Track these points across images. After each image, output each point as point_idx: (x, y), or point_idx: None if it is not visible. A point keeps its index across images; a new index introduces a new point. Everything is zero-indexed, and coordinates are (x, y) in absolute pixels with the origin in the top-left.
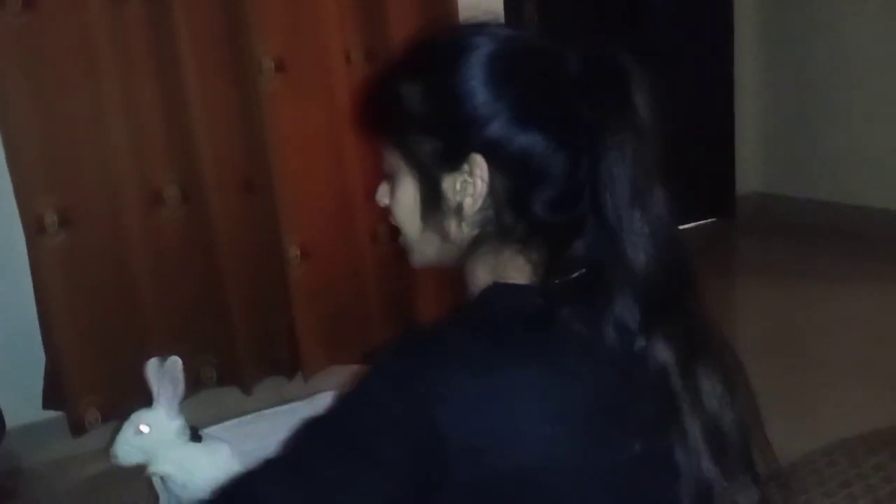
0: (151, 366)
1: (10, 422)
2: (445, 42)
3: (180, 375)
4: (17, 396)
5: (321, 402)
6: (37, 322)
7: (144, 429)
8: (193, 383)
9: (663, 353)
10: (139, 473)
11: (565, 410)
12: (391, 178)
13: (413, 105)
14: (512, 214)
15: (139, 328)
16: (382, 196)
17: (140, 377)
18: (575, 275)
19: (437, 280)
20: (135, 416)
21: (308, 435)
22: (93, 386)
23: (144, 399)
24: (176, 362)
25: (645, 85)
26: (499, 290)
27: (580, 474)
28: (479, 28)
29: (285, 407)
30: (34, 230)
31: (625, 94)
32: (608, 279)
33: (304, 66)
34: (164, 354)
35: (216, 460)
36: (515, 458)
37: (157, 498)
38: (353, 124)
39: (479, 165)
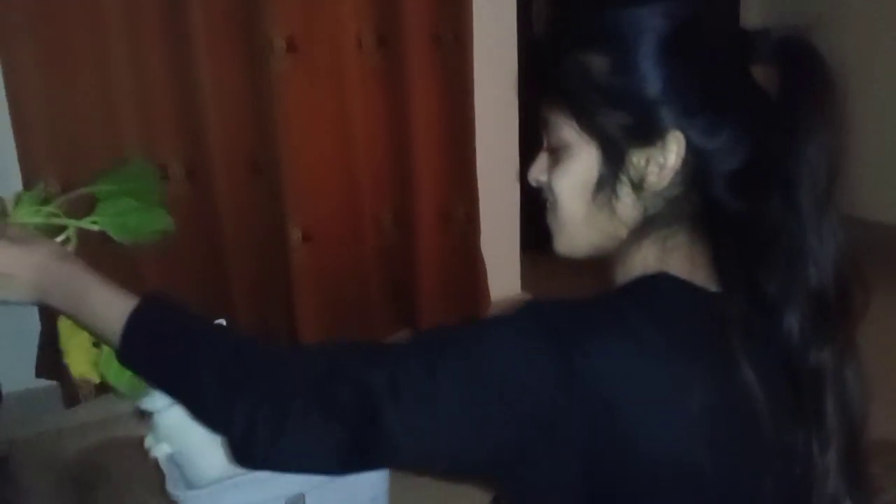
0: None
1: (4, 388)
2: (631, 16)
3: None
4: (12, 363)
5: None
6: None
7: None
8: None
9: (824, 359)
10: (134, 445)
11: (723, 414)
12: (557, 152)
13: (602, 78)
14: (696, 194)
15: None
16: (538, 172)
17: None
18: (747, 276)
19: (438, 269)
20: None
21: (440, 352)
22: None
23: None
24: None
25: (839, 76)
26: (669, 283)
27: (719, 480)
28: (660, 2)
29: None
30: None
31: (824, 81)
32: (785, 284)
33: (315, 47)
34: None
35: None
36: (659, 448)
37: (163, 475)
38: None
39: (678, 141)
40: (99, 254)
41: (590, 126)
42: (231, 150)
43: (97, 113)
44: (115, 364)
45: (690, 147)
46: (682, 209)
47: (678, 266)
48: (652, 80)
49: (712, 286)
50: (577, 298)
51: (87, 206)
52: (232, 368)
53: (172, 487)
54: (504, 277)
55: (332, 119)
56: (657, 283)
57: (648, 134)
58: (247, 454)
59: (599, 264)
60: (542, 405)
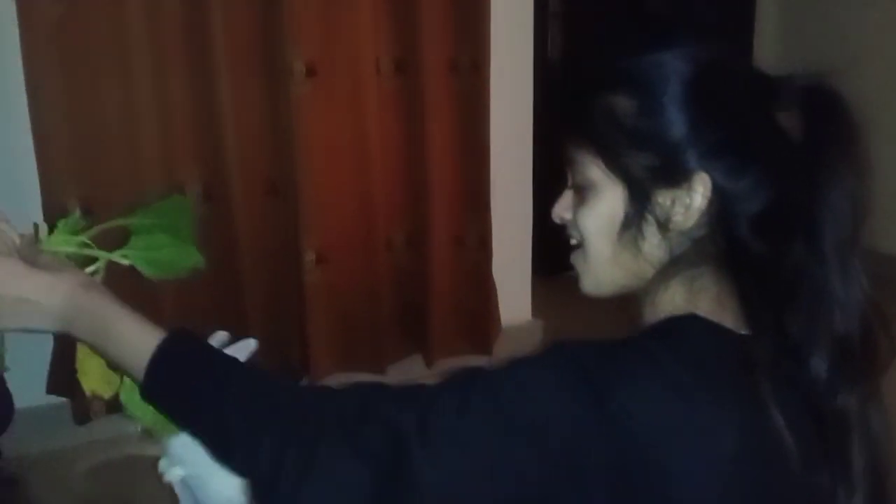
0: (219, 337)
1: (17, 404)
2: (656, 59)
3: (245, 357)
4: (24, 380)
5: None
6: None
7: None
8: None
9: (850, 403)
10: (145, 465)
11: (752, 457)
12: (582, 191)
13: (627, 120)
14: (721, 235)
15: (152, 321)
16: (563, 210)
17: None
18: (773, 318)
19: (450, 293)
20: None
21: (470, 393)
22: None
23: None
24: (250, 344)
25: (862, 123)
26: (698, 325)
27: None
28: (684, 46)
29: None
30: (55, 218)
31: (847, 127)
32: (810, 328)
33: (334, 72)
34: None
35: None
36: (688, 490)
37: (176, 499)
38: (555, 127)
39: (704, 183)
40: (114, 265)
41: (616, 166)
42: (249, 172)
43: (118, 134)
44: (137, 397)
45: (715, 188)
46: (708, 250)
47: (706, 307)
48: (677, 123)
49: (741, 328)
50: (605, 340)
51: (119, 238)
52: (258, 407)
53: None
54: (515, 303)
55: (349, 143)
56: (686, 325)
57: (674, 175)
58: (271, 496)
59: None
60: (572, 447)
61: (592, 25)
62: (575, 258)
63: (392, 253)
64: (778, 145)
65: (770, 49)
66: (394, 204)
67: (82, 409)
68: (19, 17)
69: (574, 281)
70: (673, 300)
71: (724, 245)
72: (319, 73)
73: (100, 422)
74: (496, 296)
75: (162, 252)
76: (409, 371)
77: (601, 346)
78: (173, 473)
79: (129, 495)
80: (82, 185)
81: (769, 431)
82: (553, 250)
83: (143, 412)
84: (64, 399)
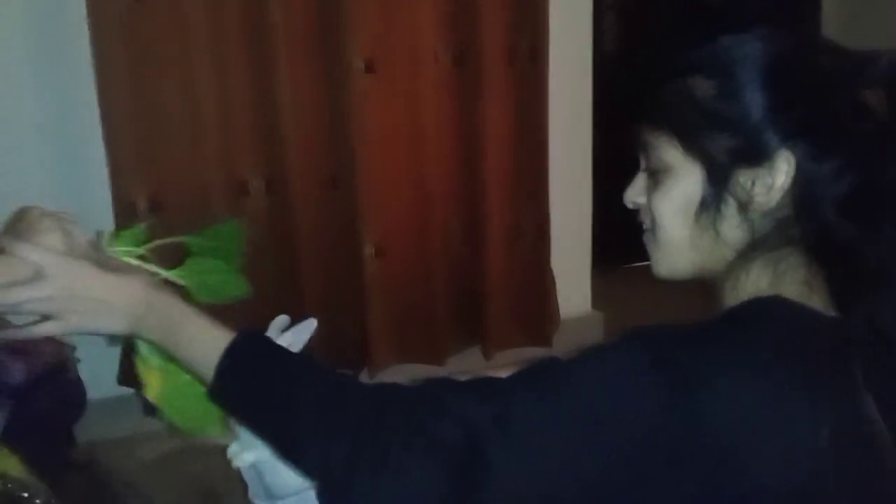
0: (280, 320)
1: (89, 395)
2: (736, 41)
3: (307, 338)
4: (97, 371)
5: None
6: None
7: None
8: None
9: None
10: (208, 451)
11: (845, 443)
12: (657, 174)
13: (706, 101)
14: (806, 217)
15: (213, 315)
16: (636, 195)
17: None
18: (864, 303)
19: (508, 284)
20: None
21: (547, 385)
22: None
23: None
24: (312, 323)
25: None
26: (785, 307)
27: None
28: (762, 28)
29: None
30: (125, 216)
31: None
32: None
33: (393, 66)
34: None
35: None
36: (779, 477)
37: (245, 485)
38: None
39: (788, 161)
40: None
41: (695, 148)
42: (309, 167)
43: (182, 131)
44: (178, 401)
45: (799, 169)
46: (792, 232)
47: (792, 290)
48: (757, 103)
49: (830, 311)
50: (686, 324)
51: (174, 253)
52: (329, 408)
53: (254, 498)
54: (575, 294)
55: (407, 136)
56: (772, 307)
57: (755, 155)
58: (345, 497)
59: (678, 282)
60: (659, 438)
61: (647, 18)
62: (648, 241)
63: (450, 244)
64: (864, 125)
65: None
66: (452, 195)
67: (150, 401)
68: (89, 13)
69: (635, 273)
70: (757, 284)
71: (809, 228)
72: (378, 70)
73: None
74: (555, 287)
75: (213, 277)
76: (468, 363)
77: (683, 332)
78: (243, 458)
79: (198, 480)
80: (150, 183)
81: (862, 417)
82: (613, 242)
83: (181, 413)
84: (132, 390)
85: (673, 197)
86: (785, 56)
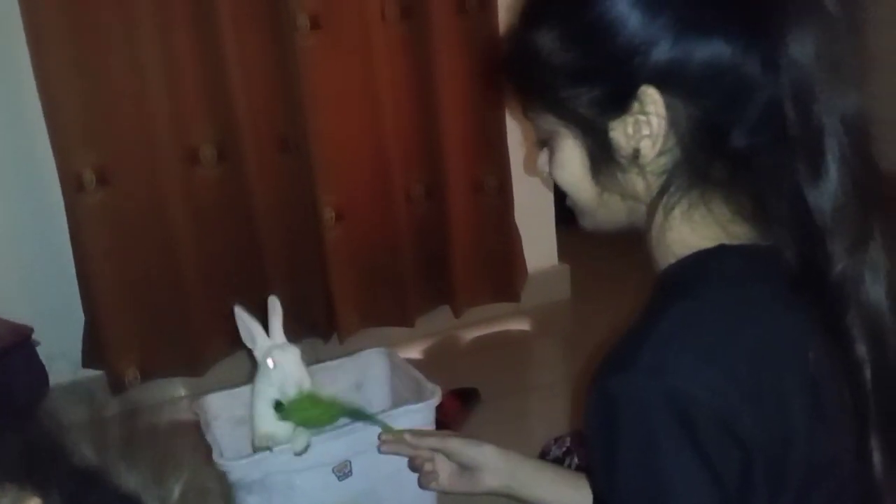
0: (240, 311)
1: (52, 380)
2: None
3: (279, 309)
4: (58, 355)
5: (365, 360)
6: (76, 281)
7: (271, 363)
8: (231, 343)
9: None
10: (182, 429)
11: (819, 380)
12: (547, 144)
13: (555, 55)
14: (705, 150)
15: (177, 287)
16: (543, 165)
17: (177, 335)
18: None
19: (473, 242)
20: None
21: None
22: (132, 345)
23: (181, 358)
24: (275, 300)
25: None
26: (720, 254)
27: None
28: None
29: (332, 362)
30: (73, 188)
31: None
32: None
33: (339, 23)
34: (203, 313)
35: None
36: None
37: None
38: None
39: (652, 99)
40: (137, 234)
41: (561, 110)
42: (260, 131)
43: (126, 97)
44: (301, 409)
45: (681, 97)
46: (700, 169)
47: (717, 233)
48: (609, 39)
49: (764, 240)
50: (639, 324)
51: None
52: None
53: (218, 457)
54: (541, 248)
55: (359, 94)
56: (707, 262)
57: (621, 100)
58: None
59: (637, 234)
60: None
61: None
62: (569, 202)
63: (411, 204)
64: (748, 17)
65: None
66: (409, 154)
67: (117, 379)
68: None
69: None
70: (680, 232)
71: (712, 161)
72: (324, 26)
73: (136, 390)
74: (520, 242)
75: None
76: (438, 323)
77: (639, 342)
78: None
79: (166, 454)
80: (96, 152)
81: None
82: None
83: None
84: (100, 372)
85: (564, 163)
86: None
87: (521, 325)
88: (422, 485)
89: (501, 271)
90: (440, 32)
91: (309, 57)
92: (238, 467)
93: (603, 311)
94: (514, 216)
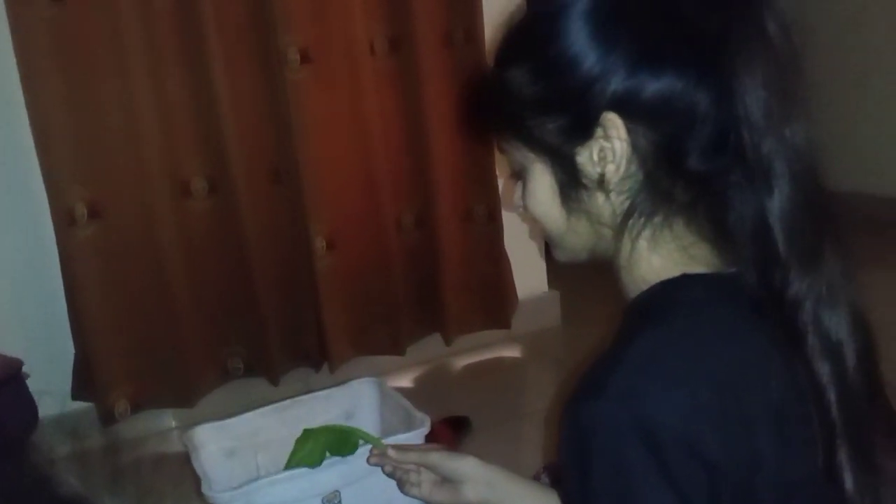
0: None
1: (41, 412)
2: (536, 13)
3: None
4: (48, 388)
5: (355, 389)
6: (66, 314)
7: None
8: (221, 374)
9: (800, 289)
10: (172, 461)
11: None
12: (521, 175)
13: (523, 89)
14: (666, 173)
15: (168, 319)
16: (518, 198)
17: (168, 367)
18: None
19: (463, 270)
20: None
21: None
22: (122, 377)
23: (172, 390)
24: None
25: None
26: (685, 282)
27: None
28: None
29: (321, 392)
30: (65, 222)
31: (746, 3)
32: (754, 233)
33: (329, 56)
34: (194, 345)
35: None
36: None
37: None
38: (464, 128)
39: (614, 124)
40: (128, 266)
41: (530, 140)
42: (251, 163)
43: (118, 131)
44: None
45: (640, 122)
46: (662, 192)
47: (681, 259)
48: (571, 71)
49: (727, 267)
50: (609, 353)
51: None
52: None
53: (207, 489)
54: (531, 275)
55: (349, 126)
56: (672, 292)
57: (584, 126)
58: None
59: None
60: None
61: None
62: (543, 234)
63: (402, 233)
64: (696, 52)
65: None
66: (399, 183)
67: (107, 411)
68: (10, 21)
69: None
70: (648, 260)
71: (673, 184)
72: (314, 59)
73: (126, 423)
74: (510, 269)
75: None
76: (429, 351)
77: (610, 367)
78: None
79: (156, 487)
80: (88, 186)
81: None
82: None
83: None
84: (90, 404)
85: (536, 193)
86: (589, 11)
87: (513, 352)
88: (402, 491)
89: (492, 299)
90: (428, 65)
91: (299, 90)
92: (226, 498)
93: (593, 336)
94: (503, 244)
